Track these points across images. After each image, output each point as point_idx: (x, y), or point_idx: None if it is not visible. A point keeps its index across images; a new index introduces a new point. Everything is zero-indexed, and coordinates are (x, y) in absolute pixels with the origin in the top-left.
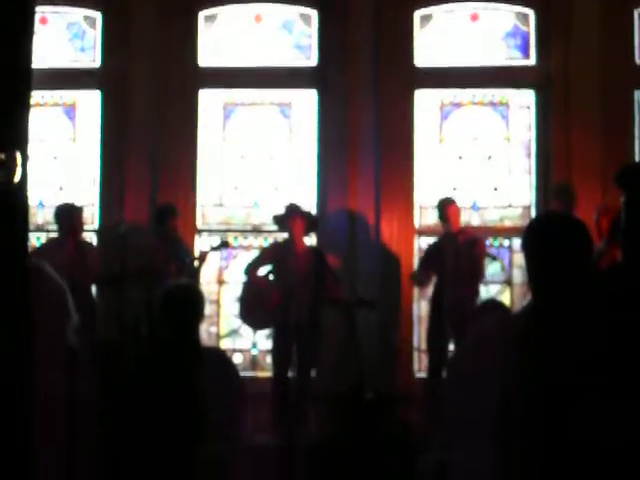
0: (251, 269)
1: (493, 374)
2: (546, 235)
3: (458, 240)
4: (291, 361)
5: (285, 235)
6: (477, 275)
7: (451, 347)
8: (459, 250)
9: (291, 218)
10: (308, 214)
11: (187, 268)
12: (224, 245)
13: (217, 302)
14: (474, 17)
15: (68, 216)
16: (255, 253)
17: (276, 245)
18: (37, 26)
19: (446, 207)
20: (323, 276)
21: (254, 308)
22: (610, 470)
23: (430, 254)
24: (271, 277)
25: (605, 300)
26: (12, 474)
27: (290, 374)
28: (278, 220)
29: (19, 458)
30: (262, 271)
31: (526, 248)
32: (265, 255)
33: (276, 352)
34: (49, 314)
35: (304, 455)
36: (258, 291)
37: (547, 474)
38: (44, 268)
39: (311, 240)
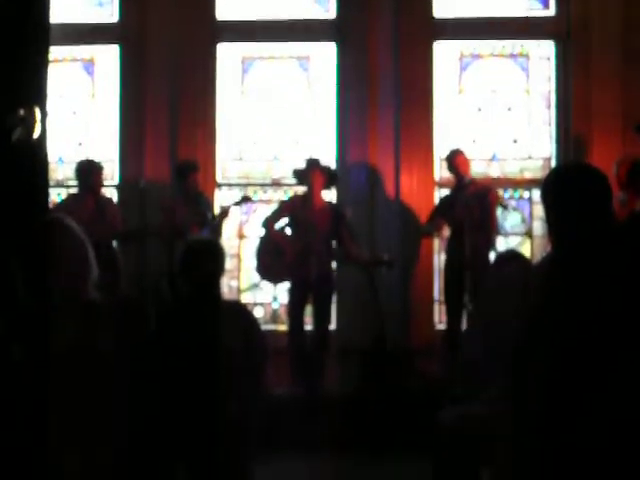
0: (269, 222)
1: (511, 322)
2: (566, 185)
3: (469, 191)
4: (305, 315)
5: (304, 189)
6: (489, 226)
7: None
8: (470, 201)
9: (311, 172)
10: (328, 168)
11: (209, 223)
12: (245, 200)
13: (238, 256)
14: None
15: (88, 173)
16: (275, 207)
17: (294, 198)
18: None
19: (454, 157)
20: (340, 232)
21: (271, 261)
22: (626, 416)
23: (442, 205)
24: (288, 230)
25: (624, 250)
26: (31, 425)
27: (307, 328)
28: (298, 174)
29: (36, 412)
30: (280, 224)
31: (546, 198)
32: (283, 208)
33: (292, 306)
34: (69, 267)
35: (324, 408)
36: (275, 244)
37: (563, 421)
38: (65, 222)
39: (331, 194)
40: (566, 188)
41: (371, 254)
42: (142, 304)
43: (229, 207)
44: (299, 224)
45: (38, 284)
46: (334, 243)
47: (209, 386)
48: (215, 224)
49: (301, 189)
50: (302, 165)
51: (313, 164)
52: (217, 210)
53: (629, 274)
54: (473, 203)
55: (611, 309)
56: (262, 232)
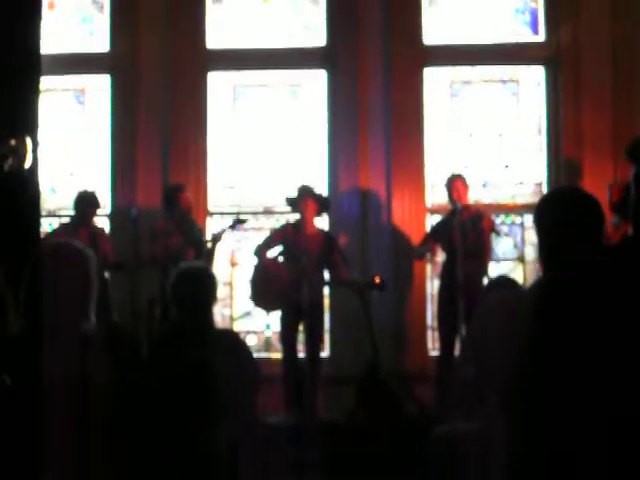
0: (261, 250)
1: (503, 347)
2: (558, 210)
3: (463, 216)
4: (297, 342)
5: (297, 216)
6: (484, 251)
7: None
8: (464, 226)
9: (303, 200)
10: (319, 196)
11: (202, 250)
12: (239, 223)
13: (230, 284)
14: None
15: (87, 205)
16: (267, 234)
17: (286, 226)
18: (45, 11)
19: (451, 182)
20: (332, 258)
21: (264, 290)
22: (626, 435)
23: (436, 230)
24: (281, 258)
25: (616, 273)
26: (22, 455)
27: (301, 355)
28: (290, 202)
29: (29, 441)
30: (273, 252)
31: (538, 223)
32: (274, 236)
33: (285, 334)
34: (73, 295)
35: (317, 436)
36: (267, 273)
37: (559, 443)
38: (79, 249)
39: (323, 221)
40: (558, 212)
41: (363, 278)
42: (133, 332)
43: (222, 232)
44: (291, 251)
45: (33, 313)
46: (326, 269)
47: (201, 414)
48: (208, 250)
49: (293, 217)
50: (294, 193)
51: (305, 192)
52: (209, 237)
53: (621, 297)
54: (468, 229)
55: (601, 333)
56: (254, 260)
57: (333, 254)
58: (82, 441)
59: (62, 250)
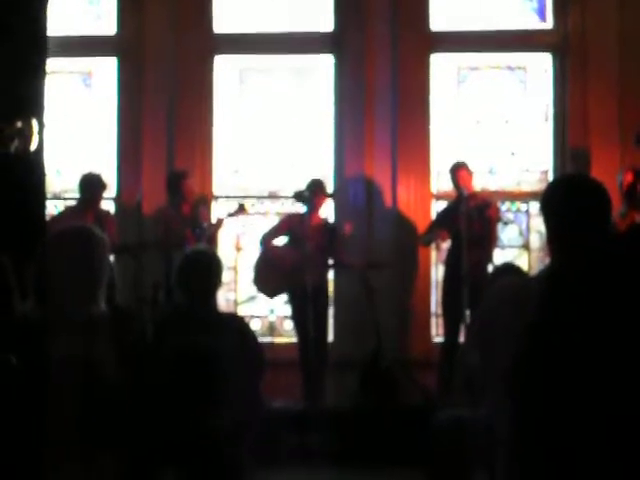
0: (266, 238)
1: (510, 333)
2: (565, 197)
3: (469, 204)
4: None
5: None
6: (490, 239)
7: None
8: (470, 214)
9: (316, 194)
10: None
11: (204, 235)
12: (240, 210)
13: (234, 269)
14: None
15: (93, 187)
16: (272, 219)
17: (292, 216)
18: None
19: (455, 171)
20: (335, 246)
21: (266, 275)
22: (625, 431)
23: (442, 216)
24: (286, 246)
25: (623, 261)
26: (27, 435)
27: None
28: (300, 195)
29: (34, 420)
30: (279, 241)
31: (545, 210)
32: (281, 225)
33: (296, 316)
34: (85, 279)
35: (323, 421)
36: (271, 259)
37: (561, 431)
38: (99, 240)
39: (328, 206)
40: (566, 199)
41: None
42: (138, 316)
43: (223, 218)
44: (296, 240)
45: (41, 296)
46: (329, 256)
47: (205, 397)
48: (210, 234)
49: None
50: (304, 187)
51: (318, 185)
52: (213, 222)
53: (627, 285)
54: (474, 216)
55: (610, 319)
56: (260, 248)
57: (336, 242)
58: (87, 423)
59: (75, 234)
